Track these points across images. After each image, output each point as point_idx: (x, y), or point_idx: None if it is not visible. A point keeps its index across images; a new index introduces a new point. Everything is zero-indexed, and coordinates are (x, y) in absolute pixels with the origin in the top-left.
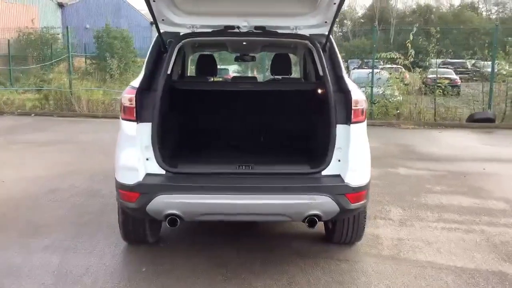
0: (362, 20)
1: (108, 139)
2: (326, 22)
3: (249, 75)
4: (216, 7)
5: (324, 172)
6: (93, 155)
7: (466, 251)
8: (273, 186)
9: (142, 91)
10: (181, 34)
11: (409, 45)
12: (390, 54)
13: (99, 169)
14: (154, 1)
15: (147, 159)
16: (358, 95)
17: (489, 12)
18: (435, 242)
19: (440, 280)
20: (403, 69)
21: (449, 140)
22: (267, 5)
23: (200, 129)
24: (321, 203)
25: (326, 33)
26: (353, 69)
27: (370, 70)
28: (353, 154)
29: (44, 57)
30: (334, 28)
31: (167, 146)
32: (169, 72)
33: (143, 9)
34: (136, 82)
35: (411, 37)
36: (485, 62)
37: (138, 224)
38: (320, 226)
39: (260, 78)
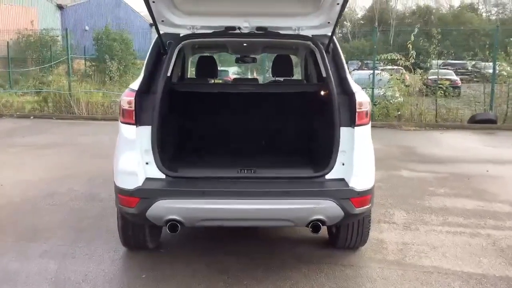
0: (362, 22)
1: (108, 142)
2: (329, 22)
3: (249, 76)
4: (216, 7)
5: (327, 176)
6: (92, 158)
7: (473, 255)
8: (275, 190)
9: (142, 94)
10: (181, 35)
11: (410, 46)
12: (391, 55)
13: (98, 172)
14: (153, 1)
15: (146, 163)
16: (362, 97)
17: (489, 13)
18: (440, 246)
19: (447, 286)
20: (404, 70)
21: (451, 142)
22: (268, 5)
23: (201, 132)
24: (325, 208)
25: (329, 33)
26: (353, 70)
27: (371, 71)
28: (358, 157)
29: (43, 59)
30: None
31: (167, 150)
32: (169, 74)
33: (143, 10)
34: (135, 85)
35: (413, 38)
36: (486, 63)
37: (138, 229)
38: (323, 230)
39: (260, 80)
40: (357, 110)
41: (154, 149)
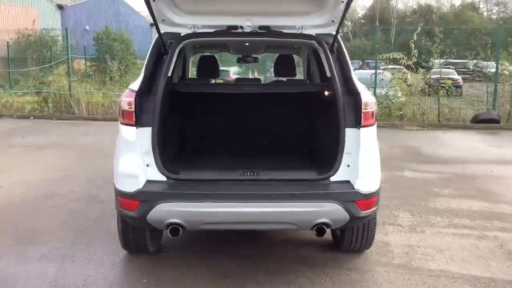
0: (363, 21)
1: (108, 142)
2: (333, 21)
3: (250, 76)
4: (218, 6)
5: (332, 178)
6: (93, 159)
7: (480, 258)
8: (279, 193)
9: (142, 95)
10: (182, 34)
11: (413, 45)
12: (393, 54)
13: (99, 173)
14: (154, 0)
15: (147, 165)
16: (368, 97)
17: (490, 12)
18: (447, 249)
19: None
20: (406, 70)
21: (454, 142)
22: (271, 4)
23: (202, 134)
24: (330, 211)
25: (334, 32)
26: (354, 70)
27: (372, 71)
28: (363, 159)
29: (43, 59)
30: None
31: (168, 151)
32: (169, 74)
33: (143, 10)
34: (136, 85)
35: (415, 37)
36: (488, 63)
37: (139, 232)
38: (327, 233)
39: (261, 79)
40: (363, 110)
41: (154, 150)
